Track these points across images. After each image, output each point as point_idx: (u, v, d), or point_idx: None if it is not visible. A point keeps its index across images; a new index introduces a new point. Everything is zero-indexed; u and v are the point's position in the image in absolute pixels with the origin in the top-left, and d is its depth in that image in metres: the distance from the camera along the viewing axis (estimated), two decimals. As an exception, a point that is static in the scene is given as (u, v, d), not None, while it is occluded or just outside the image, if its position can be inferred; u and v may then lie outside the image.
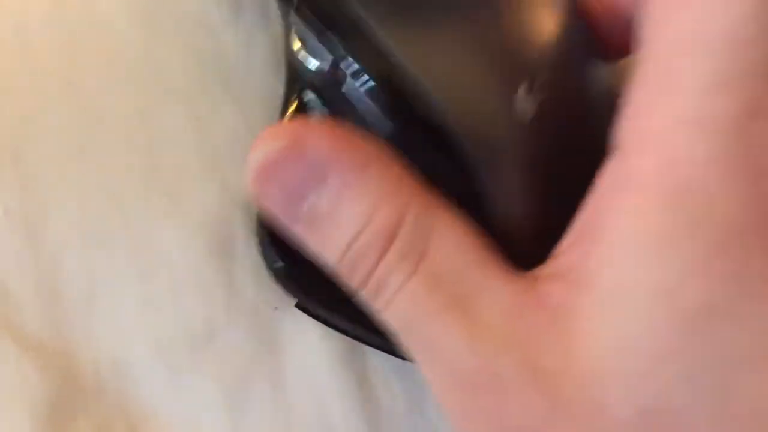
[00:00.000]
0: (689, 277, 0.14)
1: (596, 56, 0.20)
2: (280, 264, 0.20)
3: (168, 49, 0.22)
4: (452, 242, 0.16)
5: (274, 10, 0.22)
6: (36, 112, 0.21)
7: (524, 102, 0.18)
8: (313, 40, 0.20)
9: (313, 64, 0.20)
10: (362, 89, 0.19)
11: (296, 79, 0.21)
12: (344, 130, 0.17)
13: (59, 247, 0.20)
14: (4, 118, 0.21)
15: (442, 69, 0.18)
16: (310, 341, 0.20)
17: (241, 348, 0.20)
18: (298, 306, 0.20)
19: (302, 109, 0.21)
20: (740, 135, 0.14)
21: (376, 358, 0.21)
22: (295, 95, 0.21)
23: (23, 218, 0.20)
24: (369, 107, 0.19)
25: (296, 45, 0.20)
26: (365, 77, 0.19)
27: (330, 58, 0.19)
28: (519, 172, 0.19)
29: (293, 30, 0.20)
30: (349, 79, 0.19)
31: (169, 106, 0.22)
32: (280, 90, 0.22)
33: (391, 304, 0.16)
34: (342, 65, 0.19)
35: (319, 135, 0.16)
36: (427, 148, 0.19)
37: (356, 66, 0.19)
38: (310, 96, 0.21)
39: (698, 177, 0.14)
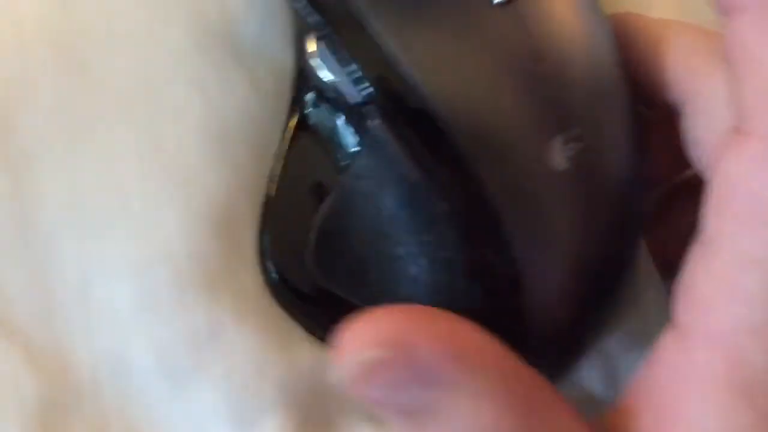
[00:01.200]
0: None
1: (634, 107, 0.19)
2: (275, 276, 0.19)
3: (171, 10, 0.20)
4: None
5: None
6: (25, 82, 0.19)
7: (558, 153, 0.18)
8: (332, 62, 0.18)
9: (327, 77, 0.18)
10: (389, 135, 0.17)
11: (307, 76, 0.19)
12: (453, 324, 0.16)
13: (52, 234, 0.18)
14: (-9, 84, 0.19)
15: (470, 105, 0.17)
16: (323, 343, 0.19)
17: (249, 351, 0.18)
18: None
19: (312, 113, 0.20)
20: None
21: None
22: (305, 95, 0.20)
23: (13, 202, 0.18)
24: (395, 152, 0.17)
25: (311, 47, 0.18)
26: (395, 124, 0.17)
27: (358, 95, 0.18)
28: (550, 227, 0.18)
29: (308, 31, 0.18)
30: (376, 122, 0.17)
31: (174, 77, 0.20)
32: (291, 64, 0.20)
33: None
34: (366, 109, 0.18)
35: (428, 339, 0.15)
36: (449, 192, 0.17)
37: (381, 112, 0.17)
38: (321, 103, 0.19)
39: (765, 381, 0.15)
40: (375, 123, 0.17)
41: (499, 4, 0.18)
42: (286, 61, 0.20)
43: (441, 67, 0.17)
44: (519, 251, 0.18)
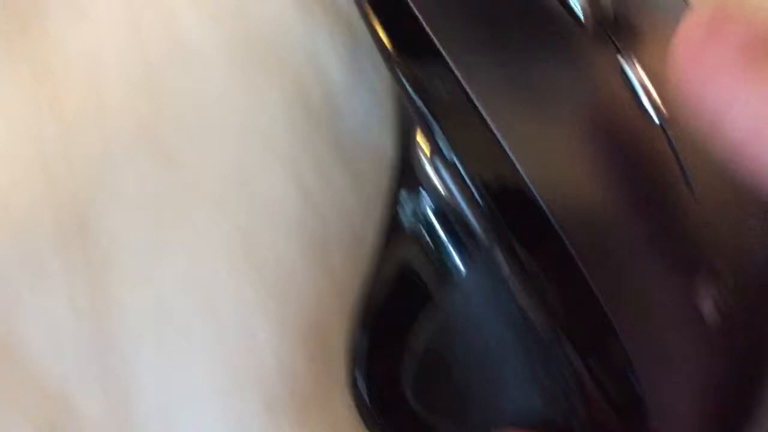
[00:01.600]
0: None
1: None
2: (366, 398, 0.17)
3: (269, 93, 0.18)
4: None
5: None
6: (109, 171, 0.17)
7: (703, 299, 0.16)
8: (439, 163, 0.16)
9: (433, 178, 0.16)
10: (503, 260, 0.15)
11: (410, 171, 0.17)
12: None
13: (132, 351, 0.16)
14: (70, 175, 0.17)
15: (600, 231, 0.15)
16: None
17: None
18: None
19: (413, 211, 0.17)
20: None
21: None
22: (406, 191, 0.17)
23: (91, 310, 0.16)
24: (510, 278, 0.15)
25: (419, 141, 0.16)
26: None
27: (466, 203, 0.16)
28: (694, 394, 0.16)
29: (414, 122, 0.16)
30: (488, 243, 0.15)
31: (270, 170, 0.18)
32: (393, 154, 0.18)
33: None
34: (477, 224, 0.16)
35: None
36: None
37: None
38: (425, 203, 0.17)
39: None
40: (487, 244, 0.16)
41: (649, 116, 0.16)
42: (387, 150, 0.18)
43: (566, 179, 0.15)
44: (645, 391, 0.16)
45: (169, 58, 0.17)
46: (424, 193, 0.17)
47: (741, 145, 0.13)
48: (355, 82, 0.18)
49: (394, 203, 0.18)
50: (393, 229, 0.18)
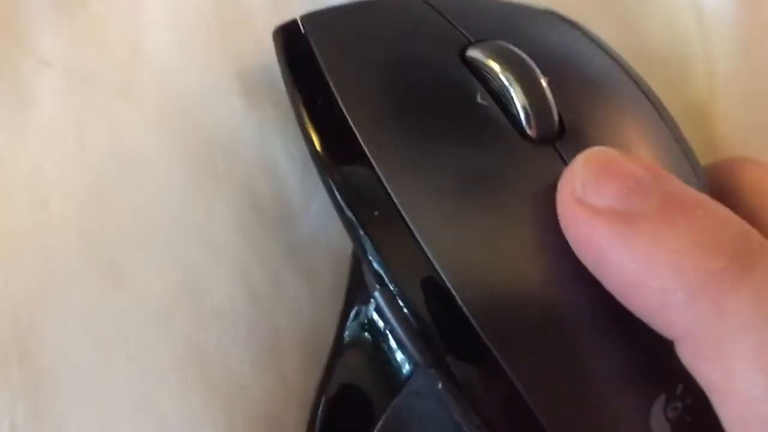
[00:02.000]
0: None
1: None
2: None
3: (218, 196, 0.17)
4: None
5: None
6: (49, 287, 0.16)
7: (661, 419, 0.15)
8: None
9: (379, 305, 0.15)
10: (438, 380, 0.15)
11: (363, 281, 0.17)
12: None
13: None
14: (8, 295, 0.16)
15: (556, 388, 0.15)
16: None
17: None
18: None
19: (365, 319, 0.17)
20: None
21: None
22: (359, 300, 0.17)
23: (31, 437, 0.16)
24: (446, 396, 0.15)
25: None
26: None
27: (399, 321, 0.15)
28: None
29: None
30: (422, 365, 0.15)
31: (220, 276, 0.17)
32: (348, 252, 0.18)
33: None
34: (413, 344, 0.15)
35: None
36: None
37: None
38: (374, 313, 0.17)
39: None
40: (421, 358, 0.15)
41: None
42: (345, 250, 0.18)
43: (499, 294, 0.15)
44: None
45: (113, 168, 0.17)
46: (371, 305, 0.17)
47: (620, 287, 0.13)
48: (308, 181, 0.18)
49: (347, 311, 0.17)
50: (344, 338, 0.17)
